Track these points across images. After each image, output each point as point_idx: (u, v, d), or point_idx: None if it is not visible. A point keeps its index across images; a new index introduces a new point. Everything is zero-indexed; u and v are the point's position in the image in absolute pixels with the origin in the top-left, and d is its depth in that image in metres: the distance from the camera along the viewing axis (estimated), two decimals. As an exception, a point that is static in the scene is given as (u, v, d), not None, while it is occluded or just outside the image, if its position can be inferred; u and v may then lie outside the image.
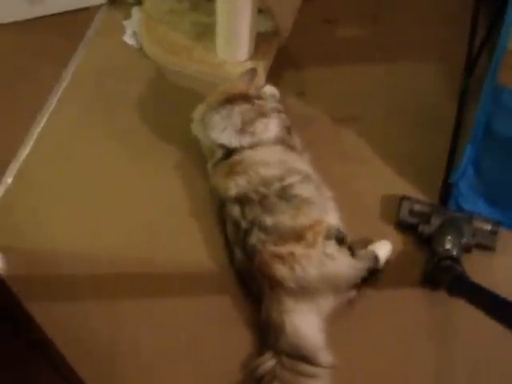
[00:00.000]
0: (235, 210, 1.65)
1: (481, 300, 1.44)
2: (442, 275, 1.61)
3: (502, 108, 1.62)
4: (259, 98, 1.76)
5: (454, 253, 1.63)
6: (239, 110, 1.70)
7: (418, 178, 1.87)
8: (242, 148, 1.71)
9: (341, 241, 1.63)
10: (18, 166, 1.89)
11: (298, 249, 1.57)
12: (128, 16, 2.18)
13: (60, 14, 2.22)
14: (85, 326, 1.62)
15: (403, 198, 1.78)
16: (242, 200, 1.65)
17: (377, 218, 1.81)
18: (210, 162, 1.77)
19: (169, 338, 1.61)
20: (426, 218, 1.73)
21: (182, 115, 1.82)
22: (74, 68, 2.11)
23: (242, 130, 1.70)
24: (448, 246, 1.64)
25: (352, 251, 1.63)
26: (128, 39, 2.13)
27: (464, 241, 1.67)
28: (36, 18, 2.21)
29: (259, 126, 1.72)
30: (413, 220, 1.75)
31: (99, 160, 1.91)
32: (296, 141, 1.81)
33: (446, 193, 1.81)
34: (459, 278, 1.57)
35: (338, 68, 2.12)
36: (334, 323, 1.56)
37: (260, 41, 2.01)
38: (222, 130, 1.71)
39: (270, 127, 1.75)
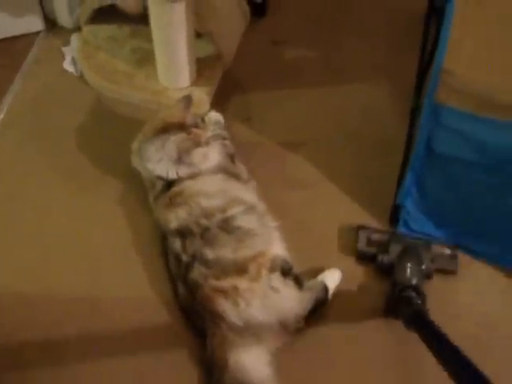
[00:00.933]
0: (176, 244, 1.61)
1: (432, 342, 1.43)
2: (402, 306, 1.59)
3: (441, 126, 1.62)
4: (196, 126, 1.72)
5: (415, 281, 1.61)
6: (174, 140, 1.67)
7: (369, 202, 1.86)
8: (181, 179, 1.68)
9: (286, 272, 1.59)
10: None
11: (242, 283, 1.54)
12: (67, 43, 2.15)
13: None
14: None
15: (360, 228, 1.76)
16: (183, 233, 1.61)
17: (327, 245, 1.79)
18: (151, 195, 1.74)
19: (114, 375, 1.55)
20: (384, 247, 1.71)
21: (124, 145, 1.78)
22: (10, 99, 2.07)
23: (178, 161, 1.67)
24: (408, 274, 1.63)
25: (299, 282, 1.60)
26: (67, 66, 2.11)
27: (424, 267, 1.66)
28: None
29: (197, 155, 1.69)
30: (371, 250, 1.74)
31: (38, 193, 1.88)
32: (241, 169, 1.79)
33: (395, 214, 1.80)
34: (416, 314, 1.55)
35: (285, 91, 2.11)
36: (283, 356, 1.52)
37: (203, 66, 1.99)
38: (158, 162, 1.69)
39: (210, 156, 1.72)
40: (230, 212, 1.62)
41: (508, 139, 1.55)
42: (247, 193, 1.72)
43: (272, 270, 1.57)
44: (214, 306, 1.52)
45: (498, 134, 1.55)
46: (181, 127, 1.71)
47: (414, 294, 1.58)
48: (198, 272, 1.56)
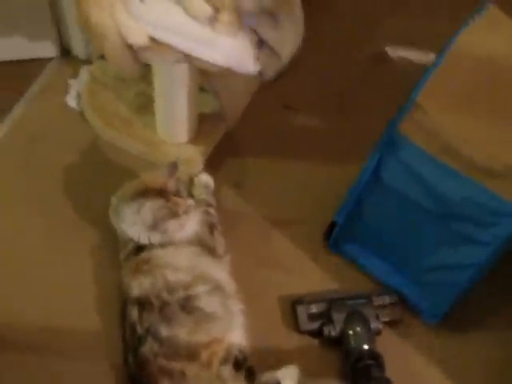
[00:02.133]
0: (134, 313, 1.59)
1: None
2: (362, 378, 1.58)
3: (396, 159, 1.59)
4: (178, 193, 1.70)
5: (368, 346, 1.62)
6: (151, 206, 1.65)
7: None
8: (152, 245, 1.66)
9: (240, 364, 1.56)
10: None
11: (190, 368, 1.51)
12: (76, 75, 2.15)
13: (6, 62, 2.20)
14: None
15: (296, 304, 1.74)
16: (143, 303, 1.59)
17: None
18: (122, 253, 1.72)
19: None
20: (326, 317, 1.69)
21: (109, 195, 1.76)
22: (8, 124, 2.08)
23: (152, 227, 1.65)
24: (359, 341, 1.63)
25: (252, 377, 1.56)
26: (70, 101, 2.10)
27: (372, 327, 1.66)
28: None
29: (172, 224, 1.66)
30: (314, 325, 1.71)
31: (13, 231, 1.88)
32: (218, 242, 1.77)
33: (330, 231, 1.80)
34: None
35: (285, 161, 2.06)
36: None
37: (204, 122, 1.98)
38: (132, 224, 1.67)
39: (187, 226, 1.70)
40: (194, 290, 1.60)
41: (463, 194, 1.51)
42: (218, 270, 1.69)
43: (225, 360, 1.54)
44: (157, 387, 1.48)
45: (454, 186, 1.51)
46: (160, 193, 1.68)
47: (370, 362, 1.58)
48: (149, 347, 1.53)
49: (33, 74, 2.19)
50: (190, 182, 1.93)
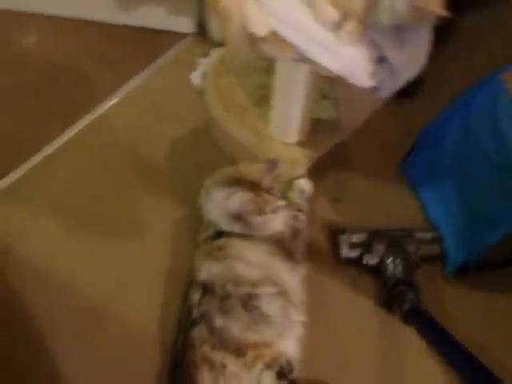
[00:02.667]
0: (195, 296, 1.61)
1: (429, 334, 1.60)
2: (397, 304, 1.66)
3: (486, 100, 1.67)
4: (270, 192, 1.71)
5: (405, 275, 1.69)
6: (240, 197, 1.66)
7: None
8: (231, 234, 1.67)
9: (284, 374, 1.54)
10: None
11: (232, 364, 1.51)
12: (207, 55, 2.19)
13: (144, 28, 2.28)
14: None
15: (339, 233, 1.81)
16: (206, 288, 1.61)
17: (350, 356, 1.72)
18: (202, 235, 1.74)
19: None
20: (367, 246, 1.76)
21: (205, 175, 1.80)
22: (130, 88, 2.16)
23: (236, 217, 1.66)
24: (397, 269, 1.70)
25: (293, 390, 1.52)
26: (195, 78, 2.15)
27: (411, 258, 1.72)
28: (121, 26, 2.28)
29: (256, 220, 1.67)
30: (355, 253, 1.78)
31: (113, 184, 1.97)
32: (298, 248, 1.75)
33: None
34: (411, 309, 1.63)
35: (392, 185, 2.02)
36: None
37: (317, 128, 1.96)
38: (218, 209, 1.69)
39: (270, 226, 1.69)
40: (259, 290, 1.60)
41: None
42: (289, 276, 1.67)
43: (269, 366, 1.53)
44: (195, 374, 1.51)
45: None
46: (253, 187, 1.68)
47: (406, 288, 1.66)
48: (199, 333, 1.55)
49: (165, 46, 2.28)
50: (289, 183, 1.92)
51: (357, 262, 1.77)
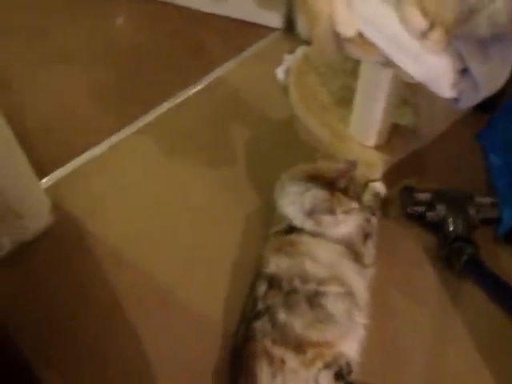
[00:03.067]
0: (261, 288, 1.63)
1: (488, 285, 1.67)
2: (455, 257, 1.75)
3: None
4: (345, 192, 1.72)
5: (464, 233, 1.78)
6: (315, 194, 1.68)
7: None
8: (303, 230, 1.69)
9: (342, 376, 1.54)
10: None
11: (292, 360, 1.52)
12: (292, 51, 2.22)
13: (232, 19, 2.34)
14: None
15: (403, 189, 1.92)
16: (273, 282, 1.62)
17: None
18: (274, 228, 1.77)
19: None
20: (430, 204, 1.87)
21: (281, 170, 1.81)
22: (213, 77, 2.21)
23: (308, 214, 1.68)
24: (457, 227, 1.80)
25: (350, 392, 1.53)
26: (279, 73, 2.18)
27: (471, 218, 1.82)
28: (211, 14, 2.34)
29: (327, 219, 1.69)
30: (419, 209, 1.89)
31: (188, 172, 2.03)
32: (368, 251, 1.75)
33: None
34: (470, 260, 1.72)
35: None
36: None
37: (397, 133, 1.98)
38: (292, 203, 1.70)
39: (341, 226, 1.71)
40: (326, 288, 1.60)
41: None
42: (357, 278, 1.67)
43: (328, 366, 1.53)
44: (254, 366, 1.53)
45: None
46: (329, 185, 1.70)
47: (465, 244, 1.75)
48: (261, 325, 1.57)
49: (253, 39, 2.32)
50: (364, 186, 1.92)
51: (420, 218, 1.88)
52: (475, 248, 1.75)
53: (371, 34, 1.41)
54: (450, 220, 1.82)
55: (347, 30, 1.41)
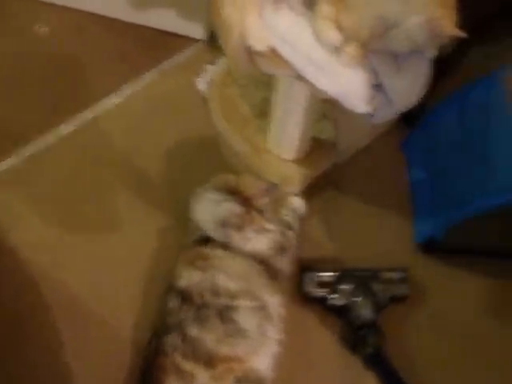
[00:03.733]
0: (172, 302, 1.63)
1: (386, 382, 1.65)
2: (360, 347, 1.70)
3: (483, 92, 1.81)
4: (260, 211, 1.73)
5: (370, 317, 1.72)
6: (230, 207, 1.69)
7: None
8: (216, 243, 1.69)
9: (253, 391, 1.55)
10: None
11: (202, 375, 1.53)
12: (215, 62, 2.22)
13: (154, 29, 2.33)
14: None
15: (303, 270, 1.81)
16: (185, 296, 1.63)
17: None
18: (189, 238, 1.77)
19: None
20: (333, 286, 1.77)
21: (197, 183, 1.82)
22: (132, 88, 2.21)
23: (219, 225, 1.69)
24: (362, 311, 1.72)
25: (260, 408, 1.54)
26: (200, 84, 2.17)
27: (377, 300, 1.74)
28: (132, 24, 2.33)
29: (235, 236, 1.70)
30: (319, 292, 1.79)
31: (102, 185, 2.01)
32: (284, 266, 1.77)
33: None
34: (372, 354, 1.68)
35: (380, 214, 2.03)
36: None
37: (316, 147, 1.98)
38: (205, 212, 1.73)
39: (249, 245, 1.72)
40: (237, 303, 1.61)
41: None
42: (271, 292, 1.69)
43: (239, 381, 1.54)
44: (163, 380, 1.54)
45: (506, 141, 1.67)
46: (245, 201, 1.72)
47: (369, 332, 1.69)
48: (172, 339, 1.57)
49: (174, 49, 2.31)
50: (282, 200, 1.92)
51: (322, 302, 1.79)
52: (380, 335, 1.71)
53: (283, 49, 1.42)
54: (355, 303, 1.75)
55: (258, 43, 1.42)
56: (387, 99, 1.44)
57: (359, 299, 1.73)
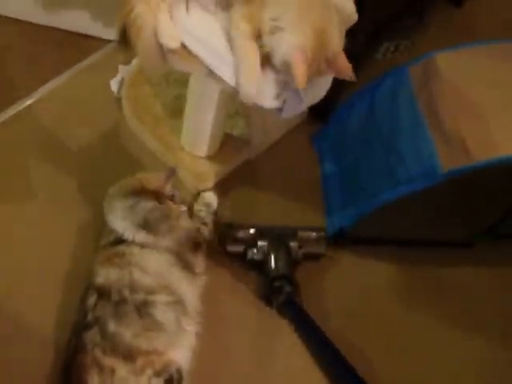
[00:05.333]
0: (91, 299, 1.64)
1: (301, 329, 1.78)
2: (274, 296, 1.78)
3: (391, 82, 1.91)
4: (172, 199, 1.77)
5: (285, 271, 1.81)
6: (144, 206, 1.72)
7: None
8: (133, 242, 1.71)
9: (171, 383, 1.58)
10: None
11: (121, 369, 1.55)
12: (128, 62, 2.23)
13: (67, 31, 2.33)
14: None
15: (225, 227, 1.90)
16: (102, 293, 1.64)
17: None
18: (103, 240, 1.78)
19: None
20: (251, 242, 1.86)
21: (114, 182, 1.84)
22: (47, 89, 2.21)
23: (142, 226, 1.71)
24: (278, 265, 1.82)
25: (180, 398, 1.57)
26: (113, 84, 2.19)
27: (293, 256, 1.84)
28: (45, 27, 2.32)
29: (162, 228, 1.73)
30: (239, 248, 1.88)
31: (18, 183, 2.02)
32: (199, 261, 1.80)
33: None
34: (286, 302, 1.77)
35: (292, 204, 2.09)
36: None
37: (229, 143, 2.04)
38: (121, 219, 1.73)
39: (177, 231, 1.76)
40: (154, 297, 1.64)
41: (414, 141, 1.77)
42: (186, 286, 1.72)
43: (158, 374, 1.57)
44: (85, 377, 1.54)
45: (412, 131, 1.78)
46: (155, 195, 1.75)
47: (284, 283, 1.78)
48: (91, 336, 1.58)
49: (88, 51, 2.32)
50: (196, 196, 1.98)
51: (241, 257, 1.87)
52: (294, 286, 1.80)
53: (193, 45, 1.46)
54: (271, 257, 1.83)
55: (170, 41, 1.46)
56: (295, 94, 1.49)
57: (275, 254, 1.83)
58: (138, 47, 1.53)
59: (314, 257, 1.91)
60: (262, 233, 1.88)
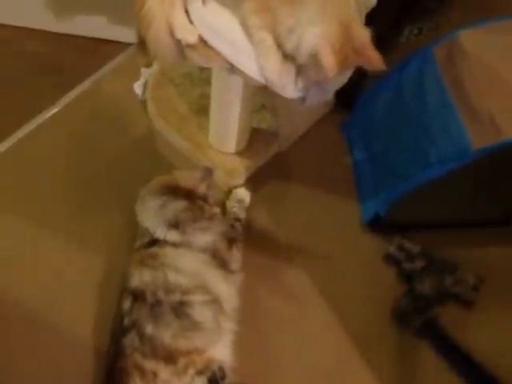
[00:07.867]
0: (126, 303, 1.64)
1: (446, 351, 1.73)
2: (413, 314, 1.77)
3: (417, 65, 1.87)
4: (206, 199, 1.75)
5: (431, 295, 1.79)
6: (175, 206, 1.70)
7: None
8: (166, 242, 1.70)
9: (216, 381, 1.57)
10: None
11: (163, 372, 1.54)
12: (150, 65, 2.23)
13: (86, 38, 2.34)
14: None
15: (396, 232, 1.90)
16: (137, 296, 1.63)
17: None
18: (137, 242, 1.77)
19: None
20: (412, 257, 1.87)
21: (144, 184, 1.82)
22: (73, 96, 2.21)
23: (172, 225, 1.70)
24: (426, 287, 1.80)
25: (226, 395, 1.55)
26: (137, 87, 2.19)
27: (444, 287, 1.81)
28: (66, 35, 2.33)
29: (192, 228, 1.71)
30: (399, 255, 1.88)
31: (50, 193, 2.01)
32: (234, 257, 1.79)
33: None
34: (431, 323, 1.76)
35: (326, 195, 2.07)
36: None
37: (257, 137, 2.02)
38: (153, 217, 1.72)
39: (207, 233, 1.74)
40: (190, 297, 1.63)
41: (444, 120, 1.72)
42: (223, 284, 1.71)
43: (201, 372, 1.56)
44: (127, 382, 1.54)
45: (441, 111, 1.73)
46: (188, 195, 1.73)
47: (427, 305, 1.77)
48: (130, 340, 1.57)
49: (110, 55, 2.33)
50: (228, 193, 1.96)
51: (396, 263, 1.90)
52: (435, 314, 1.79)
53: (213, 40, 1.45)
54: (422, 277, 1.84)
55: (188, 36, 1.45)
56: (317, 84, 1.47)
57: (428, 275, 1.84)
58: (148, 42, 1.53)
59: (461, 302, 1.86)
60: (425, 254, 1.89)
